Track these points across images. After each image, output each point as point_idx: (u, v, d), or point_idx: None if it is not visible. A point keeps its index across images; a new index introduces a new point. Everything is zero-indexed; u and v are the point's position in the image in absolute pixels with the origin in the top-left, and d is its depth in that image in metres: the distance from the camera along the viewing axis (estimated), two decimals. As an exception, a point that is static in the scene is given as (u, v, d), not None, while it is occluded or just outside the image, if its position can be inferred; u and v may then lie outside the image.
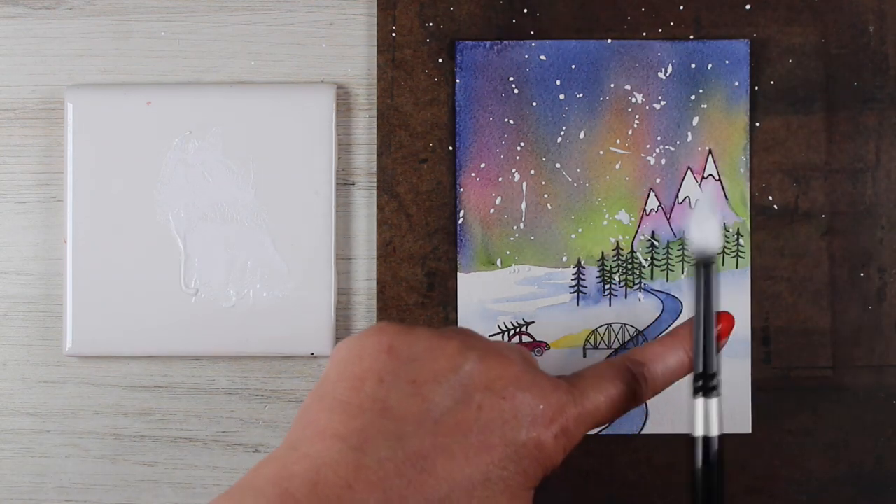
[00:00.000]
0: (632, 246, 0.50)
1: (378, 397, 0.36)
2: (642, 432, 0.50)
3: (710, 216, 0.41)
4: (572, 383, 0.39)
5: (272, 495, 0.34)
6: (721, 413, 0.39)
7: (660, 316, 0.50)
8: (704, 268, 0.40)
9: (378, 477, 0.35)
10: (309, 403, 0.37)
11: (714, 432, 0.39)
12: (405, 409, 0.36)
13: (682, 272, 0.50)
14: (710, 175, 0.50)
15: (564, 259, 0.50)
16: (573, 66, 0.50)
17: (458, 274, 0.50)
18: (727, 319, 0.42)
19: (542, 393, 0.38)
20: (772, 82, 0.51)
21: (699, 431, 0.39)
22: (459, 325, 0.50)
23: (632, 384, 0.40)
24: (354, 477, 0.34)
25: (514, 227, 0.50)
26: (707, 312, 0.40)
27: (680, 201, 0.50)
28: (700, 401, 0.39)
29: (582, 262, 0.50)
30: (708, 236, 0.40)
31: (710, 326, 0.39)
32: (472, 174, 0.50)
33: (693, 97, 0.50)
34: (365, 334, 0.38)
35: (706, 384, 0.39)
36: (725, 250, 0.50)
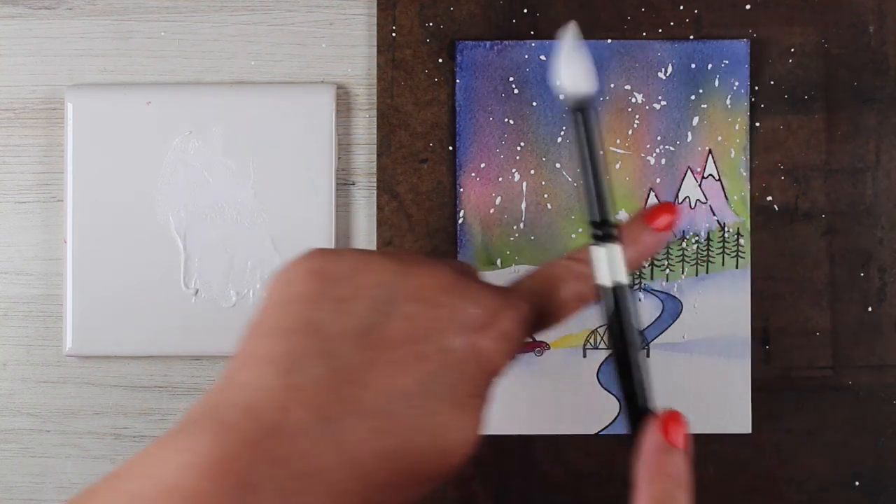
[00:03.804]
0: (632, 246, 0.50)
1: (308, 320, 0.36)
2: (642, 432, 0.50)
3: (578, 56, 0.37)
4: (512, 287, 0.38)
5: (207, 426, 0.34)
6: (623, 260, 0.37)
7: (660, 316, 0.50)
8: (582, 112, 0.37)
9: (312, 396, 0.34)
10: (244, 335, 0.37)
11: (619, 279, 0.37)
12: (335, 327, 0.36)
13: (682, 272, 0.50)
14: (710, 175, 0.50)
15: (564, 259, 0.50)
16: (573, 66, 0.50)
17: (458, 274, 0.50)
18: (672, 211, 0.39)
19: (475, 298, 0.37)
20: (772, 82, 0.51)
21: (600, 280, 0.37)
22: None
23: (575, 284, 0.38)
24: (288, 399, 0.34)
25: (514, 227, 0.50)
26: (592, 159, 0.38)
27: (680, 201, 0.51)
28: (598, 248, 0.37)
29: (582, 262, 0.50)
30: (579, 78, 0.37)
31: (598, 173, 0.37)
32: (472, 174, 0.50)
33: (693, 97, 0.50)
34: (293, 260, 0.38)
35: (602, 232, 0.37)
36: (725, 250, 0.50)
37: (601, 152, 0.38)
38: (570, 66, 0.37)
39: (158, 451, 0.33)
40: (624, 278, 0.37)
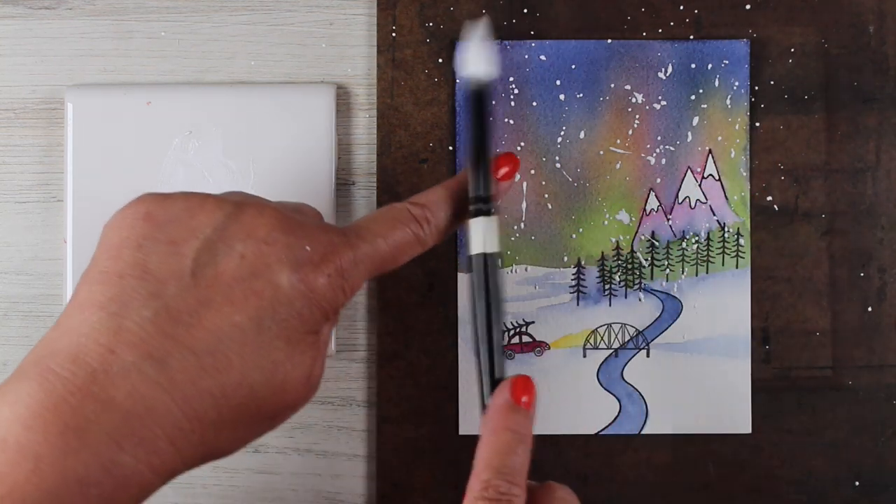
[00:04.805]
0: (632, 246, 0.50)
1: (137, 263, 0.36)
2: (642, 432, 0.50)
3: (484, 43, 0.41)
4: (349, 227, 0.39)
5: (34, 376, 0.34)
6: (498, 232, 0.40)
7: (660, 316, 0.50)
8: (480, 95, 0.41)
9: (140, 337, 0.34)
10: (77, 284, 0.37)
11: (495, 248, 0.40)
12: (165, 269, 0.36)
13: (682, 272, 0.50)
14: (710, 175, 0.50)
15: (564, 259, 0.50)
16: (573, 66, 0.50)
17: (458, 274, 0.50)
18: (512, 161, 0.42)
19: (308, 235, 0.37)
20: (772, 82, 0.51)
21: (478, 249, 0.40)
22: (459, 326, 0.50)
23: (413, 227, 0.40)
24: (115, 341, 0.34)
25: (514, 227, 0.50)
26: (481, 137, 0.41)
27: (680, 201, 0.51)
28: (479, 220, 0.40)
29: (582, 262, 0.50)
30: (481, 62, 0.41)
31: (484, 152, 0.41)
32: (472, 174, 0.50)
33: (693, 97, 0.50)
34: (124, 206, 0.38)
35: (484, 206, 0.40)
36: (725, 250, 0.50)
37: (490, 134, 0.41)
38: (477, 54, 0.41)
39: None
40: (494, 248, 0.40)
